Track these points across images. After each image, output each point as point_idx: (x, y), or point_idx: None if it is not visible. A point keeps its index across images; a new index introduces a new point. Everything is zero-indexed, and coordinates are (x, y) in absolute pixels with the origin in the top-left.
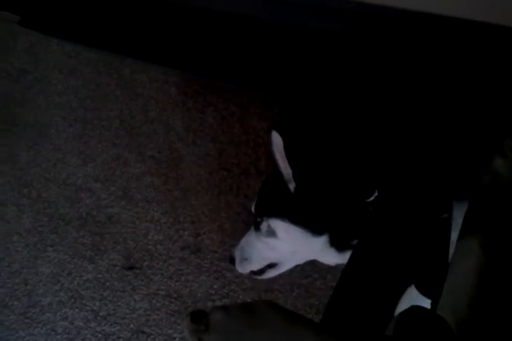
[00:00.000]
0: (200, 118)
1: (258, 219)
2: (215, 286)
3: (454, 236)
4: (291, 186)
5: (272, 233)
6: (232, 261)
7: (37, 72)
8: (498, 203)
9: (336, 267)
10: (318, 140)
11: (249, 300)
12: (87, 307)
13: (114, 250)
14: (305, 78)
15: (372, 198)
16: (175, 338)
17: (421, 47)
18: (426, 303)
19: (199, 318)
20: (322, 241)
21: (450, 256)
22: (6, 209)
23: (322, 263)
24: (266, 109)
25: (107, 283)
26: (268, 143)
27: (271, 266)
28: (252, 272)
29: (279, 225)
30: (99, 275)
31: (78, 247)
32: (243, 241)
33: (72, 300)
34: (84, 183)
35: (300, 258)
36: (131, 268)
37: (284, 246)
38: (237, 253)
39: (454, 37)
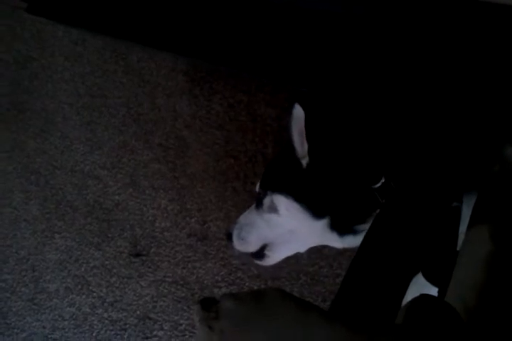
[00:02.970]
0: (207, 105)
1: (261, 195)
2: (222, 273)
3: (462, 227)
4: (304, 161)
5: (273, 209)
6: (229, 236)
7: (44, 59)
8: (509, 192)
9: (343, 254)
10: (333, 119)
11: (255, 288)
12: (94, 294)
13: (121, 237)
14: (314, 65)
15: (378, 184)
16: (181, 324)
17: (433, 28)
18: (432, 291)
19: (209, 305)
20: (322, 224)
21: (458, 244)
22: (13, 196)
23: (328, 251)
24: (273, 97)
25: (114, 270)
26: (287, 115)
27: (267, 245)
28: (253, 255)
29: (281, 201)
30: (106, 262)
31: (85, 234)
32: (242, 219)
33: (79, 287)
34: (91, 170)
35: (300, 243)
36: (138, 255)
37: (284, 224)
38: (235, 231)
39: (462, 18)
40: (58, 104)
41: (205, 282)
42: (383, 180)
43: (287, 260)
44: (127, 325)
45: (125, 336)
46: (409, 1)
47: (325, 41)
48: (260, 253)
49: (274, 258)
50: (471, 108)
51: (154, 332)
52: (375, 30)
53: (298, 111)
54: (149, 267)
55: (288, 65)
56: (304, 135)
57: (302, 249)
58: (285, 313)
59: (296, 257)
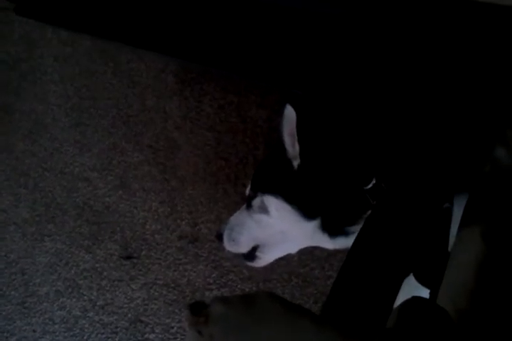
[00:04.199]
0: (197, 107)
1: (252, 195)
2: (213, 276)
3: (453, 229)
4: (296, 163)
5: (263, 210)
6: (220, 237)
7: (33, 60)
8: (499, 192)
9: (334, 256)
10: (325, 120)
11: (247, 290)
12: (85, 297)
13: (111, 239)
14: (305, 66)
15: (369, 186)
16: (173, 327)
17: (421, 29)
18: (424, 293)
19: (199, 310)
20: (313, 225)
21: (450, 246)
22: (2, 198)
23: (320, 253)
24: (264, 98)
25: (105, 273)
26: (278, 116)
27: (259, 247)
28: (244, 257)
29: (272, 202)
30: (97, 265)
31: (75, 237)
32: (233, 219)
33: (70, 290)
34: (81, 172)
35: (291, 244)
36: (128, 257)
37: (274, 225)
38: (226, 232)
39: (453, 18)
40: (47, 105)
41: (197, 284)
42: (374, 182)
43: (278, 262)
44: (118, 328)
45: (116, 339)
46: (400, 2)
47: (316, 42)
48: (251, 255)
49: (265, 259)
50: (461, 109)
51: (146, 335)
52: (365, 31)
53: (289, 112)
54: (140, 270)
55: (279, 67)
56: (296, 136)
57: (293, 250)
58: (276, 318)
59: (287, 259)
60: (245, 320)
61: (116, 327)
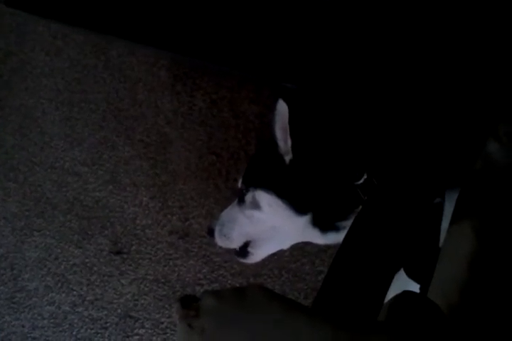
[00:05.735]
0: (189, 101)
1: (244, 190)
2: (204, 271)
3: (445, 224)
4: (287, 158)
5: (255, 205)
6: (211, 232)
7: (23, 53)
8: (491, 187)
9: (325, 252)
10: (317, 115)
11: (238, 285)
12: (74, 292)
13: (101, 234)
14: (299, 60)
15: (361, 181)
16: (163, 322)
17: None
18: (415, 288)
19: (189, 303)
20: (304, 220)
21: (440, 241)
22: None
23: (311, 248)
24: (256, 94)
25: (95, 268)
26: (271, 111)
27: (251, 242)
28: (236, 254)
29: (264, 197)
30: (87, 260)
31: (65, 231)
32: (224, 215)
33: (59, 285)
34: (71, 167)
35: (283, 239)
36: (118, 252)
37: (266, 220)
38: (217, 227)
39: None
40: (37, 99)
41: (187, 280)
42: (365, 177)
43: (269, 257)
44: (108, 324)
45: (106, 335)
46: None
47: (309, 36)
48: (244, 251)
49: (257, 255)
50: (452, 104)
51: (135, 331)
52: (359, 26)
53: (282, 107)
54: (130, 265)
55: (272, 60)
56: (288, 131)
57: (285, 245)
58: (267, 311)
59: (278, 254)
60: (237, 313)
61: (106, 323)
